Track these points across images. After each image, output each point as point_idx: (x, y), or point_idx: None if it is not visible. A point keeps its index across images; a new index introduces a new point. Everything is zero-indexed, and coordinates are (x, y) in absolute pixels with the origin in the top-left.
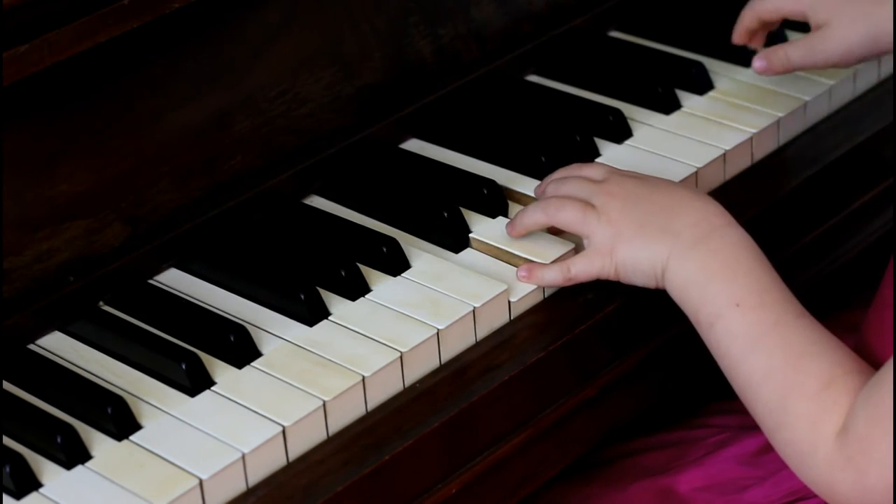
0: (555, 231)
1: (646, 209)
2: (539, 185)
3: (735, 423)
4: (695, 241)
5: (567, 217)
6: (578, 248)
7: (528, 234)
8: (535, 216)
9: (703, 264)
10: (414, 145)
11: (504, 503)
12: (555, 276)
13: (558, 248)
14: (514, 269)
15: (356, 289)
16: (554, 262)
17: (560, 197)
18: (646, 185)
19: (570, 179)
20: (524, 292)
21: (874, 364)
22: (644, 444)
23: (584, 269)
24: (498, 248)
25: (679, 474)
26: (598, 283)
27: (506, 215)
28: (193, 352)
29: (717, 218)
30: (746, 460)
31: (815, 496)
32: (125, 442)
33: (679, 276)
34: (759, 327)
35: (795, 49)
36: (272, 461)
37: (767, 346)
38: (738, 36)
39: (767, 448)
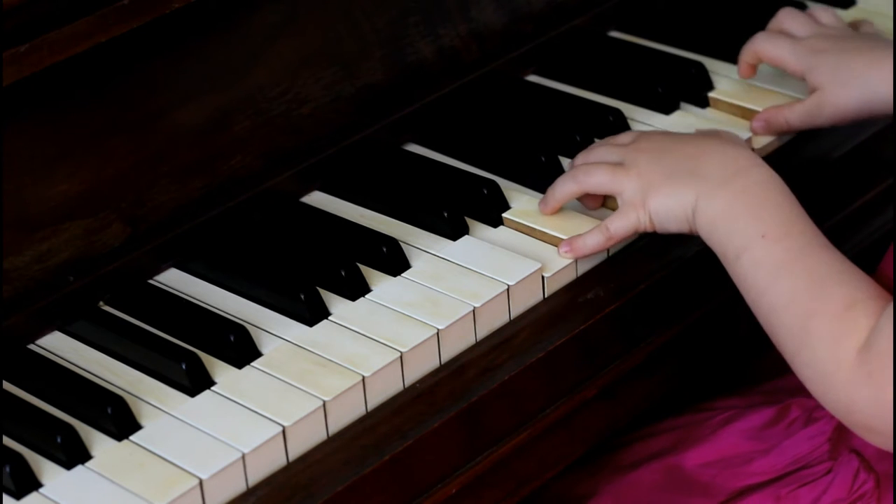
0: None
1: (674, 158)
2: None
3: (739, 404)
4: (722, 180)
5: (596, 180)
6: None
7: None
8: (565, 187)
9: (730, 201)
10: (414, 150)
11: (506, 502)
12: (596, 240)
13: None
14: (516, 262)
15: (356, 289)
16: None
17: (587, 164)
18: (674, 138)
19: (598, 146)
20: (523, 275)
21: None
22: (651, 430)
23: (621, 225)
24: (524, 223)
25: (686, 452)
26: (597, 283)
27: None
28: (193, 352)
29: (744, 159)
30: (751, 435)
31: (818, 464)
32: (125, 442)
33: (707, 213)
34: (785, 255)
35: (794, 113)
36: (272, 461)
37: (792, 273)
38: (745, 70)
39: (772, 422)
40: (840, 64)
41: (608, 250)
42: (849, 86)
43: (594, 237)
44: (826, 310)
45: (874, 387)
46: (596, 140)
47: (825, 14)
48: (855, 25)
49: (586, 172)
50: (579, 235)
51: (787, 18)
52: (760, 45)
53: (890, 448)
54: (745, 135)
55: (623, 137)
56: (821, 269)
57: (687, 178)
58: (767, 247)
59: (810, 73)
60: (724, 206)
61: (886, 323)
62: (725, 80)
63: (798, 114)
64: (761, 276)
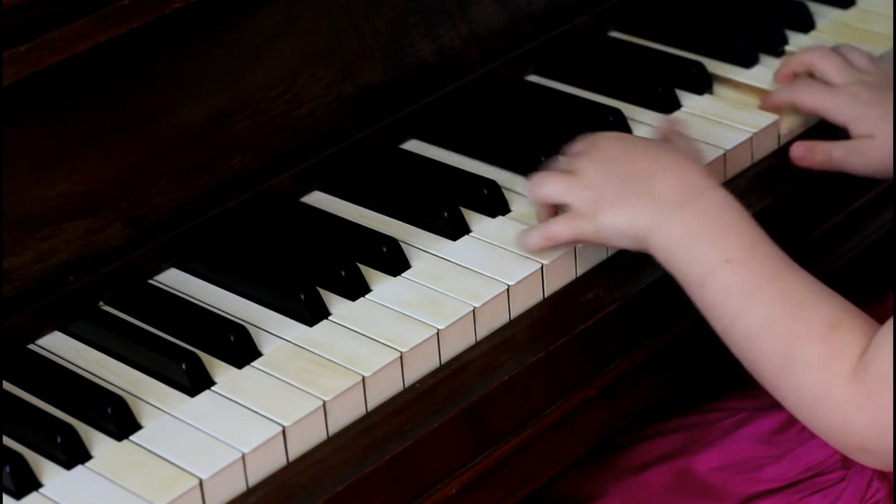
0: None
1: (627, 173)
2: None
3: (751, 406)
4: (678, 203)
5: (548, 189)
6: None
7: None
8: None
9: (688, 226)
10: (414, 145)
11: (505, 502)
12: (535, 239)
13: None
14: (516, 262)
15: (356, 289)
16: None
17: (541, 173)
18: (627, 148)
19: (560, 158)
20: (523, 275)
21: None
22: (659, 429)
23: (561, 230)
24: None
25: (696, 455)
26: (597, 283)
27: (505, 214)
28: (193, 352)
29: (699, 179)
30: (763, 439)
31: (832, 471)
32: (125, 442)
33: (664, 239)
34: (754, 280)
35: (838, 149)
36: (272, 461)
37: (765, 298)
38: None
39: (784, 427)
40: (886, 114)
41: (607, 249)
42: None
43: (534, 236)
44: (809, 333)
45: (873, 408)
46: None
47: (859, 57)
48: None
49: (538, 183)
50: (523, 233)
51: (819, 61)
52: (798, 96)
53: (884, 467)
54: (765, 121)
55: (579, 145)
56: (795, 292)
57: (640, 198)
58: (734, 272)
59: (855, 123)
60: (682, 231)
61: (883, 342)
62: (725, 80)
63: (842, 149)
64: (731, 304)
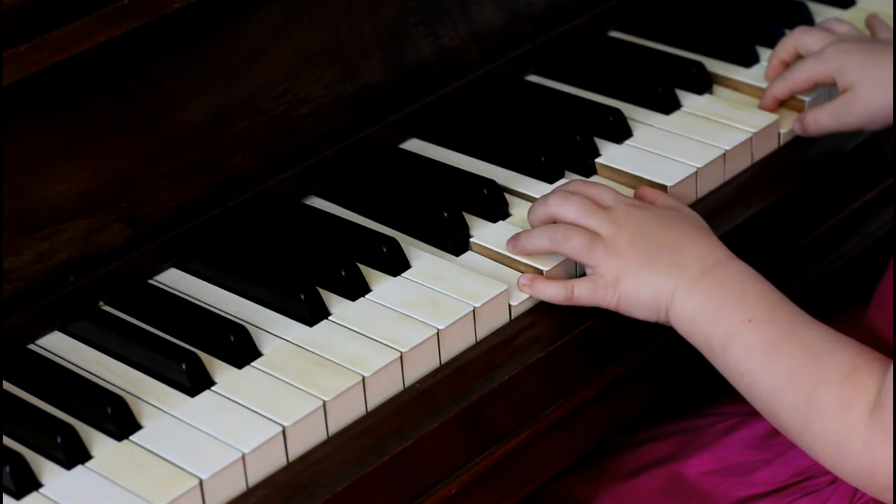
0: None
1: (653, 244)
2: (543, 196)
3: (742, 411)
4: (701, 273)
5: (573, 247)
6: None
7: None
8: (539, 242)
9: (710, 293)
10: (414, 145)
11: (505, 501)
12: (556, 294)
13: (557, 258)
14: (515, 272)
15: (356, 289)
16: (553, 270)
17: (566, 225)
18: (652, 217)
19: (574, 198)
20: (524, 297)
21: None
22: (651, 434)
23: (586, 293)
24: (499, 252)
25: (688, 460)
26: None
27: (506, 218)
28: (193, 352)
29: (720, 252)
30: (754, 444)
31: (822, 475)
32: (125, 442)
33: (687, 307)
34: (776, 335)
35: (823, 114)
36: (272, 461)
37: (786, 352)
38: (770, 105)
39: (775, 431)
40: (868, 62)
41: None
42: (880, 82)
43: (555, 290)
44: (829, 379)
45: (893, 445)
46: (595, 139)
47: (840, 25)
48: (871, 27)
49: (565, 236)
50: (543, 279)
51: (802, 37)
52: (790, 79)
53: None
54: (765, 121)
55: (601, 195)
56: (814, 343)
57: (665, 267)
58: (756, 330)
59: (840, 74)
60: (705, 298)
61: (893, 379)
62: (725, 79)
63: (827, 112)
64: (754, 360)
